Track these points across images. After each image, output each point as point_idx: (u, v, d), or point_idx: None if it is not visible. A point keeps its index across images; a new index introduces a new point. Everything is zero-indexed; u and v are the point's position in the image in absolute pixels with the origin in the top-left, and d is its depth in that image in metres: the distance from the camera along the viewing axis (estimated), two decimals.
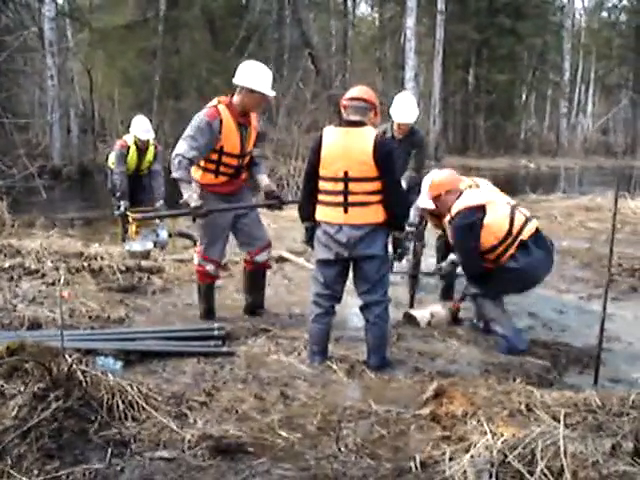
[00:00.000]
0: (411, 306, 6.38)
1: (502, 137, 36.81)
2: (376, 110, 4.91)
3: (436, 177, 5.83)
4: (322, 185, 4.83)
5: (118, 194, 9.09)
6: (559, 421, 3.76)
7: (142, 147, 9.15)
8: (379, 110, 4.97)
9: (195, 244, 8.44)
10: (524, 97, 40.88)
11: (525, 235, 5.35)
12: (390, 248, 5.25)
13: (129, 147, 9.13)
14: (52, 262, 7.59)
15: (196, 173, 5.77)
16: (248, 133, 5.78)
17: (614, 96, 50.89)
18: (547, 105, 44.92)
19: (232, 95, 5.66)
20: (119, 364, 4.73)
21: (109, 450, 3.55)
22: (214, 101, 5.69)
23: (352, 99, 4.84)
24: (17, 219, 10.80)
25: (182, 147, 5.48)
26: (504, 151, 35.33)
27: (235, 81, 5.56)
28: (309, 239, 5.12)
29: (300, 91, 18.60)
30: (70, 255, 7.96)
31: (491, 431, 3.55)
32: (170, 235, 9.32)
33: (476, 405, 3.96)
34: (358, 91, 4.92)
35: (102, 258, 7.84)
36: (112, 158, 9.35)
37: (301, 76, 19.66)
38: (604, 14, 53.32)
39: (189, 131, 5.52)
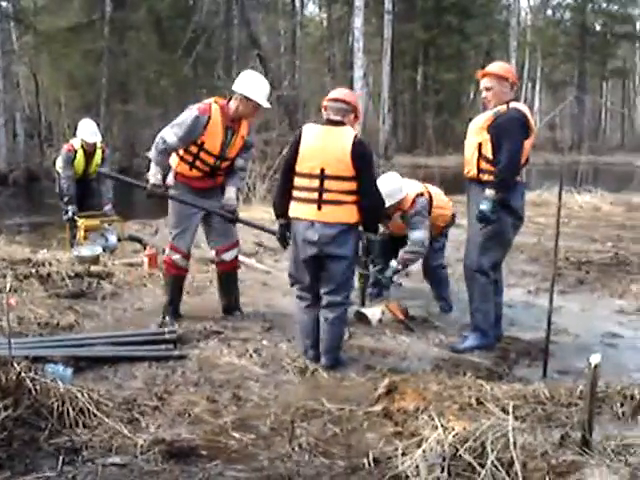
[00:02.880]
0: (362, 304, 6.40)
1: (451, 135, 37.18)
2: (357, 113, 4.98)
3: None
4: (297, 181, 4.85)
5: (66, 199, 8.95)
6: (509, 413, 3.84)
7: (89, 150, 9.03)
8: (360, 113, 5.06)
9: (145, 248, 8.39)
10: (472, 95, 41.41)
11: None
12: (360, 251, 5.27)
13: (76, 151, 9.01)
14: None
15: (174, 160, 5.91)
16: (233, 138, 5.83)
17: (560, 92, 51.93)
18: None
19: (229, 99, 5.75)
20: (69, 371, 4.65)
21: (60, 458, 3.51)
22: (211, 99, 5.82)
23: (334, 100, 4.89)
24: None
25: (166, 132, 5.69)
26: (453, 149, 35.64)
27: (233, 87, 5.69)
28: (282, 237, 5.13)
29: None
30: (17, 262, 7.80)
31: (442, 425, 3.60)
32: (119, 239, 9.21)
33: (427, 400, 4.02)
34: (340, 93, 5.00)
35: (50, 264, 7.71)
36: (59, 162, 9.20)
37: None
38: (549, 12, 54.39)
39: (177, 119, 5.73)
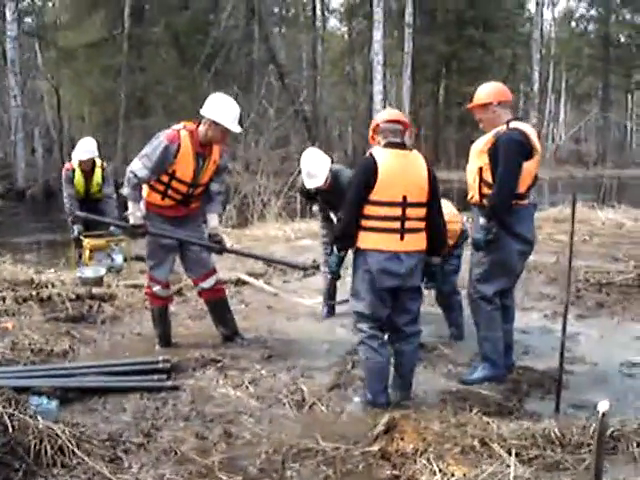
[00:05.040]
0: None
1: None
2: (408, 132, 4.82)
3: None
4: (373, 210, 4.48)
5: (70, 218, 8.80)
6: (516, 455, 3.58)
7: (86, 169, 8.85)
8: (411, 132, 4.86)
9: None
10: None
11: None
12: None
13: (74, 170, 8.85)
14: (0, 291, 7.30)
15: (144, 189, 5.67)
16: (206, 164, 5.62)
17: (585, 105, 51.44)
18: (519, 116, 45.11)
19: (199, 123, 5.55)
20: (54, 403, 4.45)
21: None
22: (180, 124, 5.59)
23: (389, 121, 4.67)
24: None
25: (136, 165, 5.46)
26: None
27: (202, 111, 5.48)
28: (339, 269, 4.83)
29: (267, 106, 18.35)
30: (20, 283, 7.67)
31: (441, 470, 3.37)
32: (126, 259, 9.03)
33: (427, 441, 3.75)
34: (392, 114, 4.83)
35: (53, 285, 7.56)
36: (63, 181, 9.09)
37: (266, 92, 19.48)
38: (573, 24, 53.98)
39: (146, 149, 5.48)
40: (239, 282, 8.24)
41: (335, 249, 4.76)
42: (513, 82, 40.05)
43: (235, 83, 24.17)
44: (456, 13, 34.09)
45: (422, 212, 4.57)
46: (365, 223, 4.52)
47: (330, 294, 6.86)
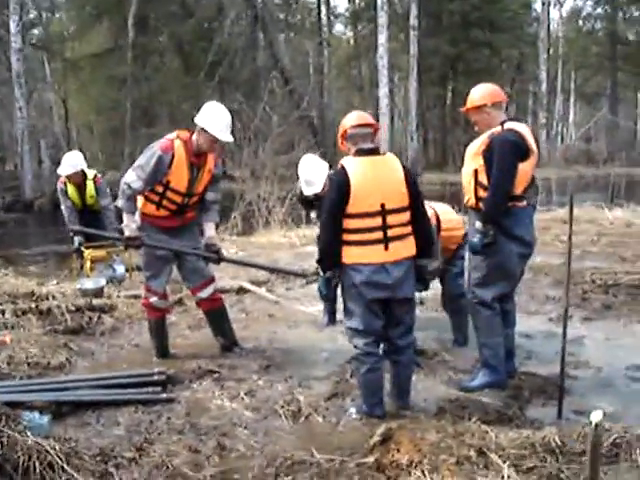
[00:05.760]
0: None
1: None
2: (378, 134, 4.64)
3: None
4: (352, 223, 4.32)
5: (70, 230, 8.73)
6: (514, 466, 3.48)
7: (77, 182, 8.76)
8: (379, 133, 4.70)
9: None
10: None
11: None
12: None
13: (65, 183, 8.78)
14: (0, 304, 7.26)
15: (139, 200, 5.60)
16: (200, 174, 5.57)
17: (594, 104, 51.13)
18: (528, 116, 44.90)
19: (193, 132, 5.49)
20: (45, 418, 4.38)
21: None
22: (173, 134, 5.53)
23: (358, 126, 4.49)
24: None
25: (130, 176, 5.39)
26: None
27: (195, 119, 5.43)
28: (330, 290, 4.71)
29: (270, 112, 18.31)
30: (20, 296, 7.65)
31: None
32: (127, 270, 8.98)
33: (422, 452, 3.66)
34: (361, 117, 4.59)
35: (53, 297, 7.53)
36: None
37: (270, 98, 19.43)
38: (580, 23, 53.72)
39: (140, 160, 5.42)
40: (241, 290, 8.17)
41: (320, 271, 4.63)
42: (521, 83, 39.95)
43: (239, 90, 24.21)
44: (461, 14, 33.90)
45: (405, 217, 4.41)
46: (347, 237, 4.36)
47: (331, 301, 6.76)
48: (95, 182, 8.86)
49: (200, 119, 5.39)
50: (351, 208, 4.30)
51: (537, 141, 5.13)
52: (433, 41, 32.61)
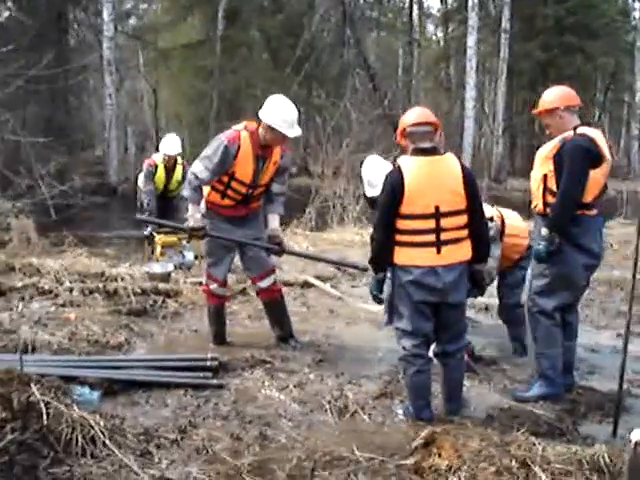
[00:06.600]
0: None
1: None
2: (440, 131, 4.48)
3: None
4: (406, 224, 4.25)
5: (146, 214, 8.91)
6: None
7: (169, 165, 8.99)
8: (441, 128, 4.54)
9: None
10: (596, 119, 39.56)
11: None
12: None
13: (157, 165, 9.00)
14: (70, 282, 7.47)
15: (205, 189, 5.63)
16: (265, 166, 5.57)
17: None
18: (622, 127, 43.43)
19: (259, 124, 5.46)
20: (95, 394, 4.48)
21: None
22: (241, 125, 5.54)
23: (417, 124, 4.35)
24: (61, 237, 10.74)
25: (197, 167, 5.42)
26: None
27: (260, 114, 5.39)
28: (380, 291, 4.74)
29: (352, 110, 18.24)
30: (90, 275, 7.85)
31: None
32: (197, 257, 9.10)
33: (463, 459, 3.55)
34: (421, 115, 4.44)
35: (122, 279, 7.69)
36: (141, 177, 9.23)
37: (353, 95, 19.40)
38: None
39: (207, 151, 5.44)
40: (305, 284, 8.17)
41: (372, 272, 4.57)
42: (615, 92, 38.65)
43: (325, 87, 24.27)
44: (555, 19, 32.96)
45: (461, 220, 4.28)
46: (399, 238, 4.27)
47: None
48: (183, 168, 9.06)
49: (266, 115, 5.33)
50: (404, 208, 4.21)
51: (611, 148, 4.93)
52: (525, 45, 31.86)
